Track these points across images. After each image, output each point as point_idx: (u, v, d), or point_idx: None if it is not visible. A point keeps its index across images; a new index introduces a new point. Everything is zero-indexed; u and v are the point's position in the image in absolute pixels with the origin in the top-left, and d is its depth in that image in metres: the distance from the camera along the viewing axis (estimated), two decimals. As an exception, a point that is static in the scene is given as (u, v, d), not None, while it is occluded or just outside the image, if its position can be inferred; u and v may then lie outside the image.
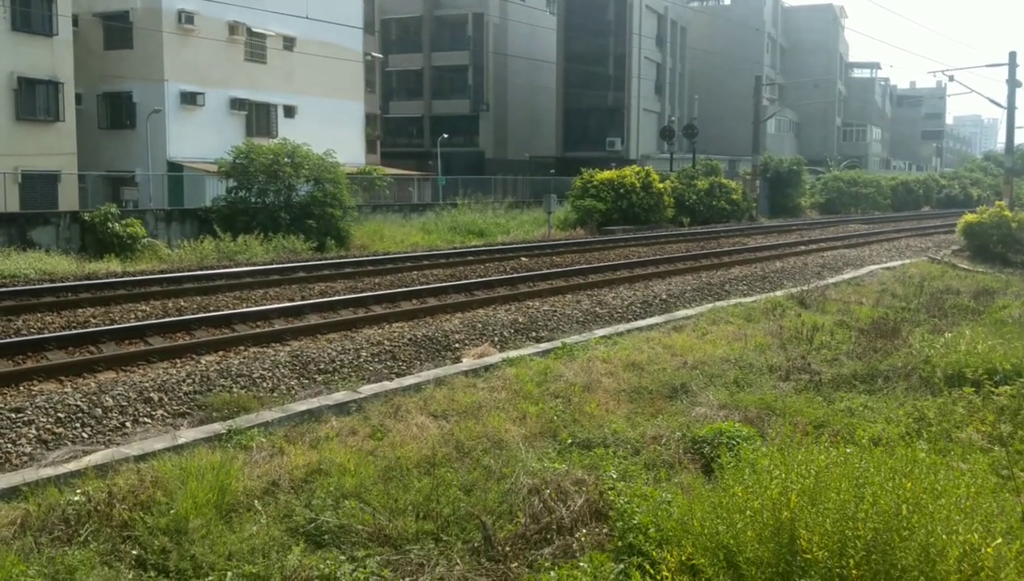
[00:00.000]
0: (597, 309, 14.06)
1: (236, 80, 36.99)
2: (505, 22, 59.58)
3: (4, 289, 14.34)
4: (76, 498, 5.65)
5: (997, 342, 9.91)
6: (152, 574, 4.93)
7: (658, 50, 61.74)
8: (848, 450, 5.01)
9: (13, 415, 7.61)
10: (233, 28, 36.40)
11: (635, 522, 5.01)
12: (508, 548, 5.15)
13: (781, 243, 26.32)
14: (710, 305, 14.28)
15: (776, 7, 75.93)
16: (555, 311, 13.54)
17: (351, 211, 26.00)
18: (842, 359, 10.20)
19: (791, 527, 4.07)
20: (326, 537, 5.36)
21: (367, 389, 8.69)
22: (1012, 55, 34.40)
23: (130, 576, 4.88)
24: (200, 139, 34.56)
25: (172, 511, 5.46)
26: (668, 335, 11.61)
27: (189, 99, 34.64)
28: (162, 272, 17.23)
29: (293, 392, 9.11)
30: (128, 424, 7.92)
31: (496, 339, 11.77)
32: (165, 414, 8.23)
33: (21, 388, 8.57)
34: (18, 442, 7.23)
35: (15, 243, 20.04)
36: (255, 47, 37.92)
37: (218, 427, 7.39)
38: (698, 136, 46.28)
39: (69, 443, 7.35)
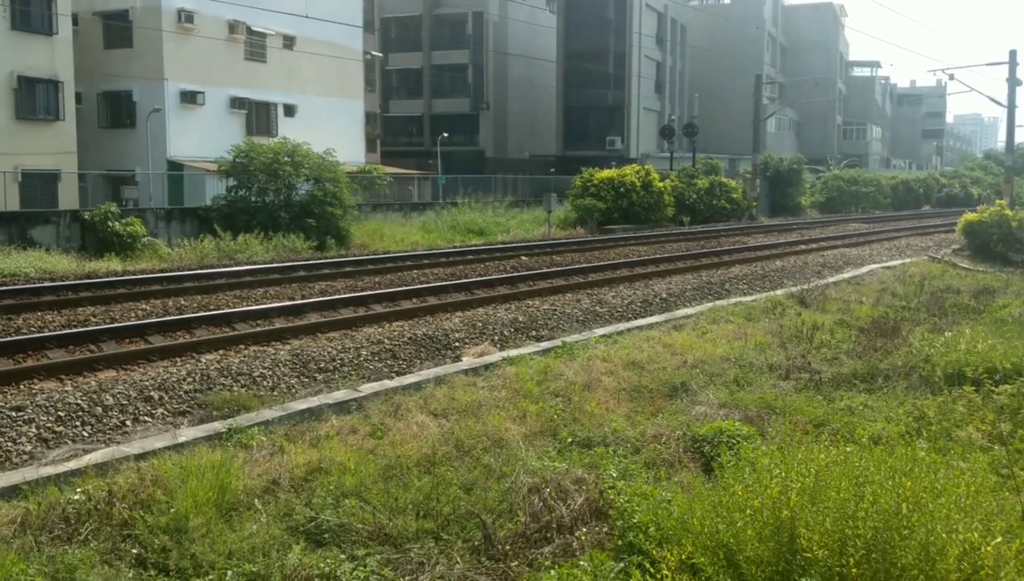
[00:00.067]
0: (597, 308, 14.06)
1: (236, 79, 36.99)
2: (505, 21, 59.57)
3: (4, 288, 14.34)
4: (76, 497, 5.65)
5: (997, 341, 9.92)
6: (152, 573, 4.93)
7: (658, 49, 61.74)
8: (848, 449, 5.01)
9: (13, 414, 7.62)
10: (233, 27, 36.40)
11: (635, 521, 5.01)
12: (508, 547, 5.15)
13: (781, 242, 26.32)
14: (710, 304, 14.28)
15: (776, 6, 75.91)
16: (555, 310, 13.54)
17: (351, 210, 26.00)
18: (842, 358, 10.20)
19: (791, 526, 4.08)
20: (326, 536, 5.36)
21: (367, 388, 8.69)
22: (1012, 53, 34.39)
23: (130, 575, 4.89)
24: (200, 138, 34.56)
25: (172, 510, 5.47)
26: (668, 334, 11.61)
27: (189, 98, 34.65)
28: (162, 271, 17.23)
29: (293, 391, 9.12)
30: (128, 423, 7.92)
31: (496, 338, 11.77)
32: (165, 413, 8.23)
33: (21, 387, 8.57)
34: (18, 441, 7.24)
35: (15, 242, 20.05)
36: (255, 46, 37.92)
37: (218, 426, 7.39)
38: (698, 135, 46.26)
39: (69, 442, 7.35)
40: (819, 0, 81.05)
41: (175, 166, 33.93)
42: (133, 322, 11.58)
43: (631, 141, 57.25)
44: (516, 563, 5.02)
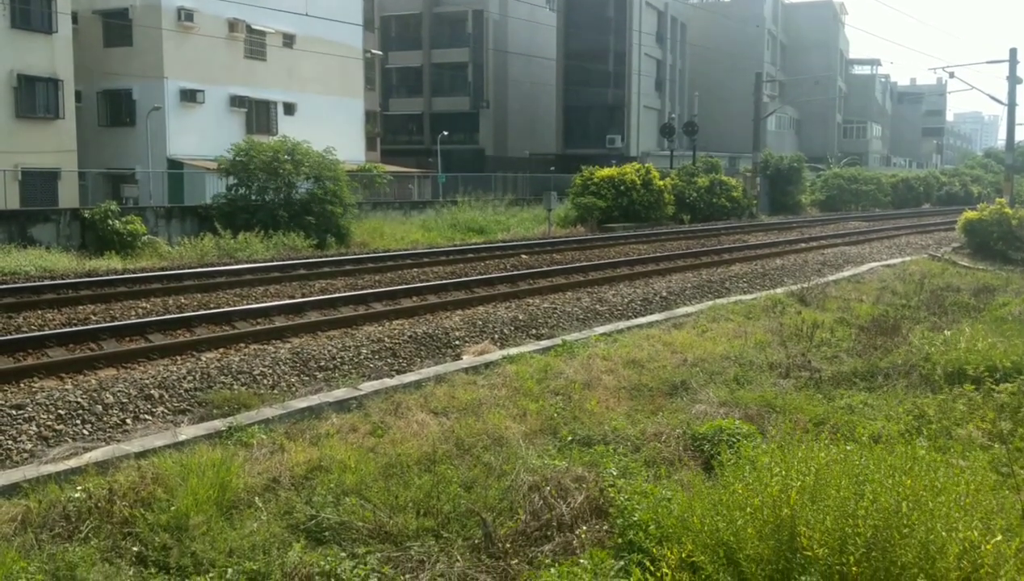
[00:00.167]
0: (597, 306, 14.07)
1: (236, 77, 36.99)
2: (505, 19, 59.55)
3: (5, 286, 14.34)
4: (77, 495, 5.66)
5: (997, 339, 9.92)
6: (153, 571, 4.93)
7: (658, 47, 61.71)
8: (848, 447, 5.01)
9: (14, 412, 7.62)
10: (233, 25, 36.40)
11: (635, 519, 5.02)
12: (508, 545, 5.16)
13: (781, 240, 26.32)
14: (710, 302, 14.28)
15: (776, 4, 75.87)
16: (555, 308, 13.54)
17: (351, 208, 25.99)
18: (842, 356, 10.20)
19: (791, 524, 4.08)
20: (327, 534, 5.37)
21: (367, 386, 8.69)
22: (1013, 52, 34.35)
23: (131, 573, 4.89)
24: (200, 136, 34.56)
25: (173, 508, 5.47)
26: (668, 332, 11.61)
27: (189, 96, 34.64)
28: (162, 269, 17.23)
29: (294, 389, 9.12)
30: (129, 421, 7.93)
31: (496, 336, 11.77)
32: (166, 411, 8.24)
33: (22, 385, 8.57)
34: (19, 439, 7.24)
35: (15, 240, 20.05)
36: (255, 44, 37.92)
37: (219, 424, 7.39)
38: (698, 133, 46.24)
39: (70, 440, 7.36)
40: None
41: (175, 164, 33.93)
42: (133, 320, 11.58)
43: (631, 139, 57.23)
44: (516, 561, 5.02)
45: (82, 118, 32.67)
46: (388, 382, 8.89)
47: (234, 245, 21.08)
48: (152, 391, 8.49)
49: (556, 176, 47.44)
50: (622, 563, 4.69)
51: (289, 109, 39.22)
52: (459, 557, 5.07)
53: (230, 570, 4.81)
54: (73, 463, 6.39)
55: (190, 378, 8.96)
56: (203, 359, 9.81)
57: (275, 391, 8.99)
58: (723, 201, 37.70)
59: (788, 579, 3.98)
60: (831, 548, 3.90)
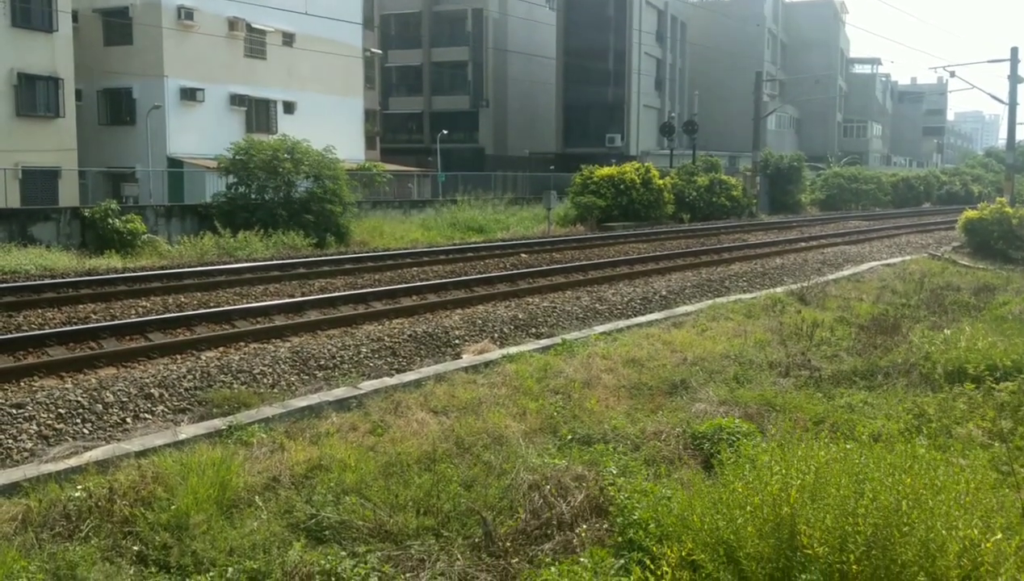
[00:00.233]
0: (597, 305, 14.07)
1: (236, 76, 36.97)
2: (504, 18, 59.52)
3: (5, 285, 14.34)
4: (77, 494, 5.66)
5: (997, 338, 9.93)
6: (153, 570, 4.94)
7: (658, 46, 61.68)
8: (848, 446, 5.02)
9: (14, 411, 7.62)
10: (233, 24, 36.40)
11: (635, 518, 5.02)
12: (509, 544, 5.16)
13: (781, 239, 26.32)
14: (710, 301, 14.29)
15: (776, 3, 75.83)
16: (555, 307, 13.54)
17: (351, 207, 25.99)
18: (842, 355, 10.21)
19: (791, 523, 4.08)
20: (327, 533, 5.37)
21: (367, 385, 8.70)
22: (1014, 51, 34.33)
23: (131, 572, 4.89)
24: (200, 135, 34.56)
25: (173, 507, 5.47)
26: (668, 331, 11.61)
27: (189, 95, 34.64)
28: (162, 268, 17.23)
29: (293, 388, 9.12)
30: (129, 420, 7.93)
31: (496, 335, 11.77)
32: (166, 410, 8.24)
33: (22, 384, 8.57)
34: (19, 438, 7.24)
35: (16, 239, 20.04)
36: (255, 43, 37.91)
37: (219, 423, 7.40)
38: (698, 132, 46.23)
39: (70, 439, 7.36)
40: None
41: (175, 163, 33.93)
42: (133, 319, 11.59)
43: (631, 138, 57.21)
44: (516, 560, 5.02)
45: (82, 117, 32.66)
46: (388, 381, 8.89)
47: (234, 244, 21.08)
48: (152, 390, 8.50)
49: (556, 175, 47.43)
50: (622, 561, 4.69)
51: (289, 108, 39.21)
52: (459, 556, 5.08)
53: (230, 569, 4.81)
54: (73, 462, 6.39)
55: (190, 377, 8.96)
56: (203, 358, 9.81)
57: (275, 390, 9.00)
58: (723, 200, 37.70)
59: (788, 577, 3.98)
60: (831, 546, 3.90)
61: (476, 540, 5.26)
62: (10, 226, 20.48)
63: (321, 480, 6.06)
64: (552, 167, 53.76)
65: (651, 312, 13.73)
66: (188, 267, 17.35)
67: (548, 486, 5.76)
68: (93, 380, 8.68)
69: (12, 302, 12.75)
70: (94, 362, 9.37)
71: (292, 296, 14.01)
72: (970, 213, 25.03)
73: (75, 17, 32.36)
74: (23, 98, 29.86)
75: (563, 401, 8.12)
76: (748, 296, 14.89)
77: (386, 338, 11.00)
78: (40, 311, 12.42)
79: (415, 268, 18.25)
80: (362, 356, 10.32)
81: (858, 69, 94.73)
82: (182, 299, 13.72)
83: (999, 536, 3.83)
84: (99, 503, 5.56)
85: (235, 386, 8.90)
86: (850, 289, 16.09)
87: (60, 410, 7.77)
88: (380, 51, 51.48)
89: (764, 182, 44.03)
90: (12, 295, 13.54)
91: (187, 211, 24.70)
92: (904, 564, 3.79)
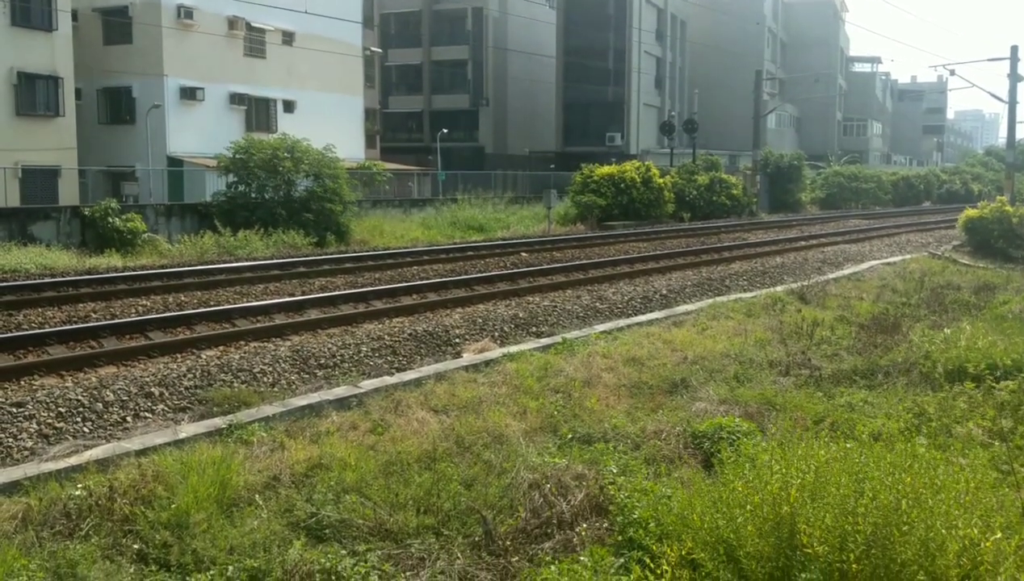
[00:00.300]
0: (597, 304, 14.07)
1: (235, 75, 36.96)
2: (504, 16, 59.50)
3: (5, 284, 14.34)
4: (77, 492, 5.67)
5: (998, 337, 9.92)
6: (153, 568, 4.94)
7: (658, 44, 61.66)
8: (848, 445, 5.02)
9: (14, 410, 7.62)
10: (232, 23, 36.38)
11: (635, 517, 5.02)
12: (509, 542, 5.17)
13: (781, 238, 26.32)
14: (710, 300, 14.29)
15: (776, 1, 75.78)
16: (555, 306, 13.54)
17: (351, 206, 25.99)
18: (842, 354, 10.21)
19: (791, 522, 4.08)
20: (327, 531, 5.37)
21: (367, 384, 8.70)
22: (1014, 49, 34.31)
23: (131, 570, 4.90)
24: (200, 134, 34.55)
25: (173, 505, 5.48)
26: (668, 330, 11.61)
27: (188, 94, 34.63)
28: (162, 267, 17.23)
29: (294, 387, 9.12)
30: (129, 419, 7.93)
31: (496, 334, 11.77)
32: (166, 409, 8.24)
33: (22, 383, 8.57)
34: (19, 437, 7.24)
35: (16, 238, 20.04)
36: (254, 42, 37.89)
37: (219, 422, 7.40)
38: (698, 131, 46.21)
39: (70, 438, 7.36)
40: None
41: (175, 162, 33.93)
42: (133, 318, 11.59)
43: (631, 137, 57.20)
44: (516, 559, 5.03)
45: (82, 116, 32.65)
46: (388, 380, 8.90)
47: (234, 243, 21.09)
48: (152, 389, 8.50)
49: (556, 174, 47.43)
50: (622, 560, 4.69)
51: (289, 107, 39.19)
52: (459, 554, 5.08)
53: (231, 568, 4.82)
54: (74, 461, 6.39)
55: (190, 376, 8.96)
56: (203, 357, 9.82)
57: (275, 389, 9.00)
58: (723, 199, 37.69)
59: (788, 576, 3.98)
60: (831, 545, 3.91)
61: (476, 539, 5.26)
62: (10, 225, 20.48)
63: (321, 479, 6.06)
64: (552, 166, 53.76)
65: (651, 311, 13.73)
66: (188, 266, 17.35)
67: (548, 485, 5.76)
68: (93, 379, 8.68)
69: (12, 301, 12.75)
70: (94, 361, 9.37)
71: (292, 295, 14.01)
72: (970, 212, 25.03)
73: (75, 16, 32.35)
74: (23, 97, 29.85)
75: (563, 400, 8.13)
76: (748, 295, 14.90)
77: (386, 337, 11.00)
78: (40, 310, 12.42)
79: (415, 267, 18.25)
80: (362, 355, 10.32)
81: (858, 68, 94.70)
82: (182, 298, 13.72)
83: (999, 535, 3.83)
84: (99, 502, 5.56)
85: (235, 385, 8.90)
86: (850, 288, 16.09)
87: (60, 409, 7.78)
88: (380, 50, 51.46)
89: (764, 181, 44.02)
90: (12, 294, 13.54)
91: (187, 210, 24.70)
92: (904, 563, 3.80)
